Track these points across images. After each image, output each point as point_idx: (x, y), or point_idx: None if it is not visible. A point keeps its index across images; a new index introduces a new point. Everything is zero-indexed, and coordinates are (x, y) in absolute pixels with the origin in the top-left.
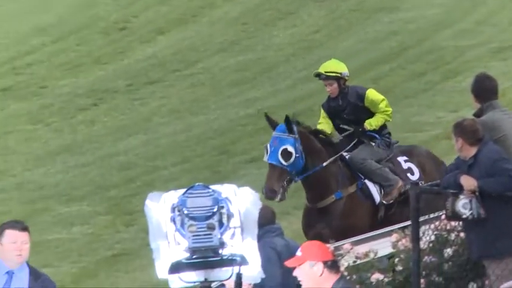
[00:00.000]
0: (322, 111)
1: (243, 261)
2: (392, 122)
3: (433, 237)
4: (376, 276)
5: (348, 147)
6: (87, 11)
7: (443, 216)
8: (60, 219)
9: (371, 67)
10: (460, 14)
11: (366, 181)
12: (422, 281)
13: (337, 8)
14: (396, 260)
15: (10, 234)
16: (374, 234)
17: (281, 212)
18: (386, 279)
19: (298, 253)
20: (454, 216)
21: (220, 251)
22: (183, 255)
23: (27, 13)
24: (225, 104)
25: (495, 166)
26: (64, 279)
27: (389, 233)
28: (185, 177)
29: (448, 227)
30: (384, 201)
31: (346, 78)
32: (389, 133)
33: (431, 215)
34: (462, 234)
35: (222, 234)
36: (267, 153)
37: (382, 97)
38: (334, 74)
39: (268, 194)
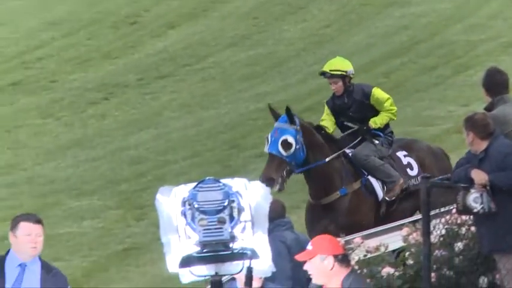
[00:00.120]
0: (326, 107)
1: (254, 255)
2: (404, 116)
3: (443, 231)
4: (387, 270)
5: (352, 144)
6: (97, 5)
7: (454, 210)
8: (71, 214)
9: (382, 61)
10: (471, 9)
11: (369, 177)
12: (433, 275)
13: (347, 2)
14: (407, 254)
15: (25, 226)
16: (385, 228)
17: (291, 206)
18: (397, 273)
19: (309, 247)
20: (465, 210)
21: (230, 245)
22: (193, 249)
23: (37, 7)
24: (236, 99)
25: (506, 160)
26: (75, 273)
27: (400, 227)
28: (195, 171)
29: (458, 221)
30: (387, 198)
31: (352, 76)
32: (391, 132)
33: (442, 209)
34: (473, 228)
35: (232, 228)
36: (268, 143)
37: (387, 96)
38: (339, 73)
39: (265, 182)
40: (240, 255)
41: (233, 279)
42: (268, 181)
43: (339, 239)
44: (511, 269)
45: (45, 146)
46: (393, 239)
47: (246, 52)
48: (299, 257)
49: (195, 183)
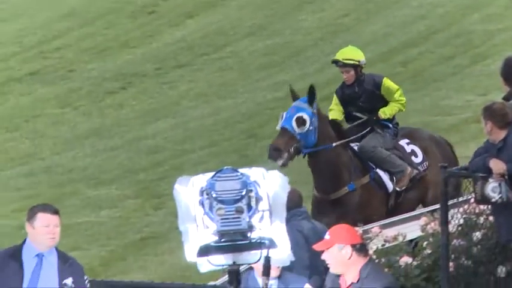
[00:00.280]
0: (335, 97)
1: (272, 245)
2: (421, 106)
3: (461, 221)
4: (405, 260)
5: (360, 134)
6: None
7: (472, 200)
8: (89, 203)
9: (399, 51)
10: None
11: (377, 170)
12: (451, 264)
13: None
14: (425, 243)
15: (42, 217)
16: (403, 217)
17: (307, 196)
18: (415, 263)
19: (327, 236)
20: (483, 199)
21: (248, 234)
22: (211, 238)
23: None
24: (253, 88)
25: None
26: (93, 263)
27: (418, 217)
28: (213, 160)
29: (477, 211)
30: (397, 188)
31: (363, 66)
32: (397, 123)
33: (460, 199)
34: (491, 218)
35: (250, 217)
36: (281, 119)
37: (397, 86)
38: (352, 62)
39: (272, 152)
40: (258, 244)
41: (251, 268)
42: (275, 151)
43: (356, 228)
44: None
45: (63, 135)
46: (411, 229)
47: (263, 41)
48: (317, 247)
49: (213, 173)
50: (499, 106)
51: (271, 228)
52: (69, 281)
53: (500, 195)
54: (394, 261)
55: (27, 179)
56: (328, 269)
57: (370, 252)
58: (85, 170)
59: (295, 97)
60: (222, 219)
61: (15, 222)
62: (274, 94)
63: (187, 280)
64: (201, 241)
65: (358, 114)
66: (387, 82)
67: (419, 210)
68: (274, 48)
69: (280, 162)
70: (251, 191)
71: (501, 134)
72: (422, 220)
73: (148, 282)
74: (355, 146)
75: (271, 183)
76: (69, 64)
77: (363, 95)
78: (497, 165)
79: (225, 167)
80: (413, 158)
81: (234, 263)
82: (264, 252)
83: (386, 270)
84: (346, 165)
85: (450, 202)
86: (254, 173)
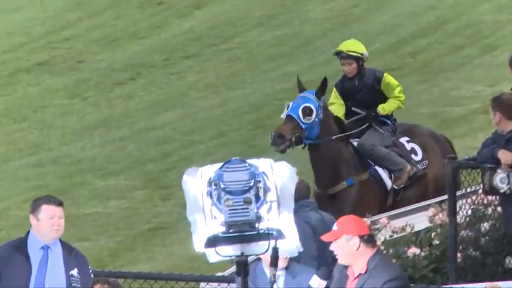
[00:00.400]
0: (334, 91)
1: (280, 235)
2: (430, 96)
3: (469, 212)
4: (413, 251)
5: (358, 129)
6: None
7: (480, 191)
8: (97, 193)
9: (409, 41)
10: None
11: (376, 167)
12: (458, 255)
13: None
14: (433, 234)
15: (47, 209)
16: (411, 208)
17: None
18: (423, 254)
19: (335, 227)
20: (491, 190)
21: (256, 225)
22: (219, 229)
23: None
24: (262, 79)
25: None
26: (101, 253)
27: (426, 207)
28: (221, 151)
29: (485, 201)
30: (395, 186)
31: (365, 59)
32: (395, 119)
33: (469, 189)
34: (499, 209)
35: (258, 208)
36: (287, 108)
37: (397, 83)
38: (355, 54)
39: (276, 138)
40: (266, 235)
41: (259, 259)
42: (280, 138)
43: (364, 219)
44: None
45: (72, 126)
46: (419, 220)
47: (272, 32)
48: (325, 238)
49: (221, 164)
50: (508, 97)
51: (279, 219)
52: (75, 271)
53: (508, 186)
54: (402, 252)
55: (35, 169)
56: (336, 260)
57: (378, 243)
58: (93, 161)
59: (301, 88)
60: (230, 210)
61: (23, 213)
62: (283, 85)
63: (196, 271)
64: (209, 232)
65: (357, 110)
66: (388, 77)
67: (428, 201)
68: (283, 39)
69: (280, 147)
70: (259, 181)
71: (509, 125)
72: (430, 211)
73: (157, 273)
74: (354, 142)
75: (279, 174)
76: (78, 55)
77: (362, 89)
78: (505, 156)
79: (233, 158)
80: (413, 156)
81: (242, 253)
82: (272, 243)
83: (394, 261)
84: (346, 161)
85: (458, 193)
86: (262, 164)
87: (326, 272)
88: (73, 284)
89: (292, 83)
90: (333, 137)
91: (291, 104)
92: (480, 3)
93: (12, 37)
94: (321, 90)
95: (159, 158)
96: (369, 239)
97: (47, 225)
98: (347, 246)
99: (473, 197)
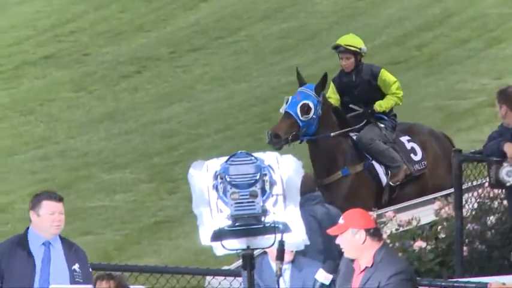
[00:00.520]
0: (332, 85)
1: (286, 229)
2: (436, 90)
3: (476, 205)
4: (419, 244)
5: (357, 127)
6: None
7: (486, 184)
8: (103, 187)
9: (415, 34)
10: None
11: (373, 162)
12: (465, 248)
13: None
14: (439, 227)
15: (48, 205)
16: (416, 202)
17: None
18: (429, 247)
19: (341, 221)
20: (498, 183)
21: (262, 219)
22: (225, 222)
23: None
24: (268, 72)
25: None
26: (107, 247)
27: (431, 201)
28: (227, 144)
29: (491, 195)
30: (391, 183)
31: (363, 54)
32: (395, 115)
33: (475, 183)
34: (505, 202)
35: (264, 201)
36: (286, 103)
37: (394, 79)
38: (353, 48)
39: (272, 138)
40: (272, 228)
41: (265, 253)
42: (276, 137)
43: (370, 212)
44: None
45: (78, 119)
46: (425, 213)
47: (278, 25)
48: (331, 231)
49: (227, 157)
50: None
51: (285, 213)
52: (76, 267)
53: None
54: (408, 246)
55: (41, 162)
56: (342, 253)
57: (384, 236)
58: (99, 154)
59: (301, 81)
60: (236, 203)
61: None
62: (289, 78)
63: (202, 264)
64: (215, 225)
65: (354, 107)
66: (385, 73)
67: (434, 194)
68: (289, 32)
69: (276, 146)
70: (265, 175)
71: None
72: (436, 204)
73: (163, 267)
74: (353, 135)
75: (285, 168)
76: (83, 48)
77: (359, 85)
78: (511, 149)
79: (239, 151)
80: (412, 155)
81: (248, 247)
82: (278, 236)
83: (400, 254)
84: (343, 153)
85: (464, 186)
86: (268, 157)
87: (332, 266)
88: (76, 279)
89: None
90: (332, 134)
91: (290, 98)
92: None
93: (18, 30)
94: (321, 86)
95: (165, 151)
96: (375, 233)
97: (47, 221)
98: (353, 239)
99: (479, 191)
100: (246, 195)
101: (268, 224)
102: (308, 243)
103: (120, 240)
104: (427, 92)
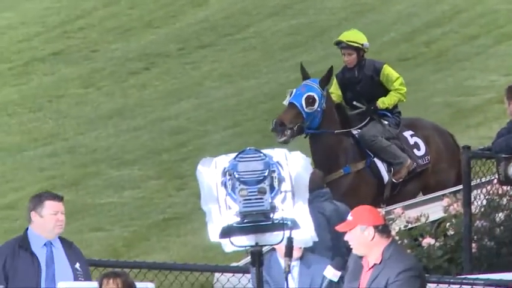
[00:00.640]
0: (335, 81)
1: (294, 225)
2: (445, 86)
3: (484, 202)
4: (428, 241)
5: (361, 125)
6: None
7: (495, 181)
8: (112, 183)
9: (423, 31)
10: None
11: (375, 159)
12: (473, 245)
13: None
14: (447, 224)
15: (51, 205)
16: (425, 198)
17: None
18: (437, 244)
19: (349, 217)
20: (506, 180)
21: (271, 215)
22: (234, 219)
23: None
24: (276, 68)
25: None
26: (116, 243)
27: (440, 198)
28: (236, 141)
29: (500, 192)
30: (394, 180)
31: (366, 50)
32: (399, 112)
33: (483, 179)
34: None
35: (273, 198)
36: (290, 96)
37: (397, 75)
38: (355, 44)
39: (277, 126)
40: (281, 225)
41: (273, 249)
42: (280, 126)
43: (379, 209)
44: None
45: (87, 115)
46: (434, 210)
47: (287, 21)
48: (339, 228)
49: (235, 154)
50: None
51: (294, 209)
52: (77, 265)
53: None
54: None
55: (50, 159)
56: (350, 250)
57: (393, 233)
58: (108, 150)
59: (305, 76)
60: (244, 200)
61: None
62: (298, 75)
63: (210, 261)
64: (223, 222)
65: (358, 104)
66: (387, 69)
67: (442, 191)
68: (298, 28)
69: (282, 139)
70: (274, 171)
71: None
72: (445, 201)
73: (171, 263)
74: (356, 132)
75: (293, 164)
76: (92, 44)
77: (362, 80)
78: None
79: (248, 148)
80: (415, 150)
81: (256, 244)
82: (287, 233)
83: (409, 251)
84: (345, 150)
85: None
86: (277, 154)
87: (341, 263)
88: (79, 278)
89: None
90: (335, 131)
91: (294, 91)
92: None
93: (27, 26)
94: (326, 79)
95: (173, 148)
96: (383, 229)
97: (51, 221)
98: (362, 236)
99: (488, 187)
100: (255, 191)
101: (277, 221)
102: (316, 240)
103: (128, 237)
104: (435, 89)
